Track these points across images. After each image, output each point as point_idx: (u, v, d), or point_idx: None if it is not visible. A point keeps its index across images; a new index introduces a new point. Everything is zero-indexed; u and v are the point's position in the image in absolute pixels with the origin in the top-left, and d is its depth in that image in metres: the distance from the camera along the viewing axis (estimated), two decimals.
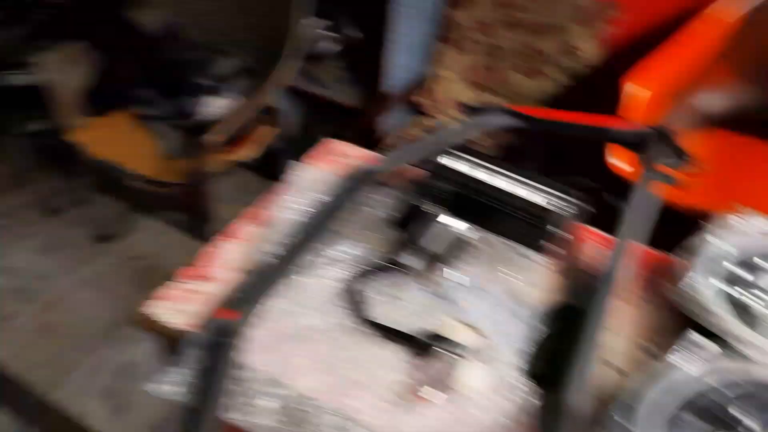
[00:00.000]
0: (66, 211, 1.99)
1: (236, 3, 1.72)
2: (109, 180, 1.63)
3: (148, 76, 1.69)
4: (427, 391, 0.57)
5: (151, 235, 1.93)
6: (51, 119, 1.74)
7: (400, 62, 1.81)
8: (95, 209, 1.98)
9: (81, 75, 1.63)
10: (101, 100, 1.68)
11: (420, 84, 1.88)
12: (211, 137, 1.45)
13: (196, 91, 1.63)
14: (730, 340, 0.61)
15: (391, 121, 1.84)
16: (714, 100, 1.48)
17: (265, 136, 1.71)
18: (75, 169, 1.79)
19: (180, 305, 0.66)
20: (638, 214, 0.70)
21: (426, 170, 0.76)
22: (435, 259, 0.68)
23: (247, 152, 1.65)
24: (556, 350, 0.61)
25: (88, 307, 1.71)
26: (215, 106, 1.63)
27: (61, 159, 2.07)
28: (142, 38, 1.71)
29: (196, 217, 1.59)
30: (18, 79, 1.76)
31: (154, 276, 1.80)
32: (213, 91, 1.63)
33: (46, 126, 1.83)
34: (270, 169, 2.11)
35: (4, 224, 1.95)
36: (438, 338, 0.61)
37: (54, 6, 1.79)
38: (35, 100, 1.76)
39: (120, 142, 1.64)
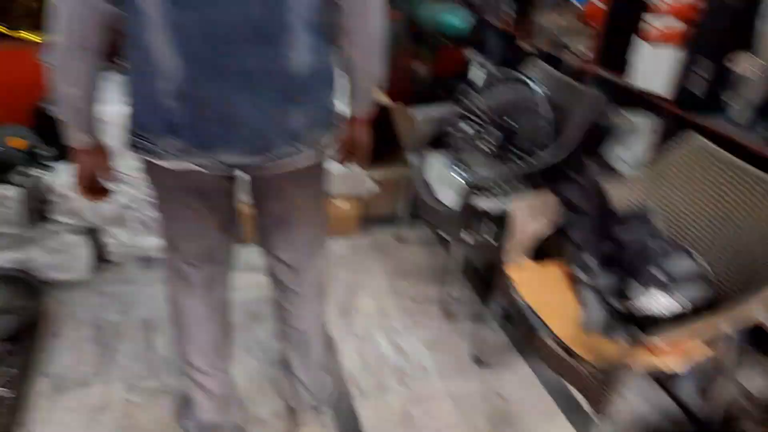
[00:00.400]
0: (461, 321, 2.17)
1: (730, 224, 1.61)
2: (515, 316, 1.68)
3: (599, 244, 1.71)
4: None
5: (525, 383, 1.91)
6: (494, 244, 1.93)
7: None
8: (486, 332, 2.09)
9: (541, 222, 1.76)
10: (547, 249, 1.77)
11: None
12: (653, 337, 1.34)
13: (643, 278, 1.55)
14: None
15: None
16: None
17: (694, 353, 1.51)
18: (489, 292, 1.93)
19: None
20: None
21: None
22: None
23: (672, 363, 1.47)
24: None
25: (445, 421, 1.77)
26: (658, 302, 1.52)
27: (486, 279, 2.29)
28: (609, 209, 1.75)
29: (587, 400, 1.48)
30: (485, 202, 2.01)
31: (508, 423, 1.77)
32: (662, 286, 1.53)
33: (485, 245, 2.05)
34: (671, 388, 1.86)
35: (412, 307, 2.24)
36: None
37: (542, 161, 2.01)
38: (490, 222, 1.99)
39: (546, 292, 1.68)
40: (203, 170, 1.15)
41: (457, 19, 2.91)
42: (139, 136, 1.12)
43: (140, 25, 1.02)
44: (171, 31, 1.00)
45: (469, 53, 3.13)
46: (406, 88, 2.95)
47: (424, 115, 2.65)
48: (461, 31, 2.91)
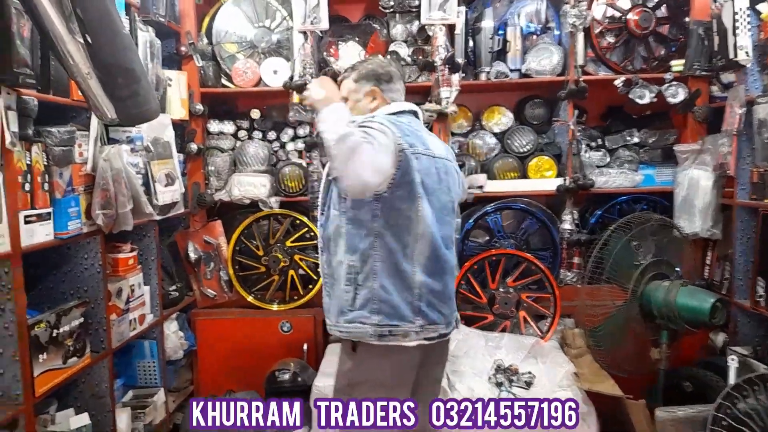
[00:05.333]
0: None
1: None
2: None
3: None
4: None
5: None
6: None
7: None
8: None
9: None
10: None
11: None
12: None
13: None
14: None
15: None
16: None
17: None
18: None
19: None
20: None
21: None
22: None
23: None
24: None
25: None
26: None
27: None
28: None
29: None
30: None
31: None
32: None
33: None
34: None
35: None
36: None
37: None
38: None
39: None
40: (425, 342, 1.62)
41: (696, 301, 2.49)
42: (392, 326, 1.58)
43: (397, 258, 1.59)
44: (415, 260, 1.62)
45: (715, 339, 2.68)
46: (643, 380, 2.48)
47: (670, 416, 2.21)
48: (703, 314, 2.47)
